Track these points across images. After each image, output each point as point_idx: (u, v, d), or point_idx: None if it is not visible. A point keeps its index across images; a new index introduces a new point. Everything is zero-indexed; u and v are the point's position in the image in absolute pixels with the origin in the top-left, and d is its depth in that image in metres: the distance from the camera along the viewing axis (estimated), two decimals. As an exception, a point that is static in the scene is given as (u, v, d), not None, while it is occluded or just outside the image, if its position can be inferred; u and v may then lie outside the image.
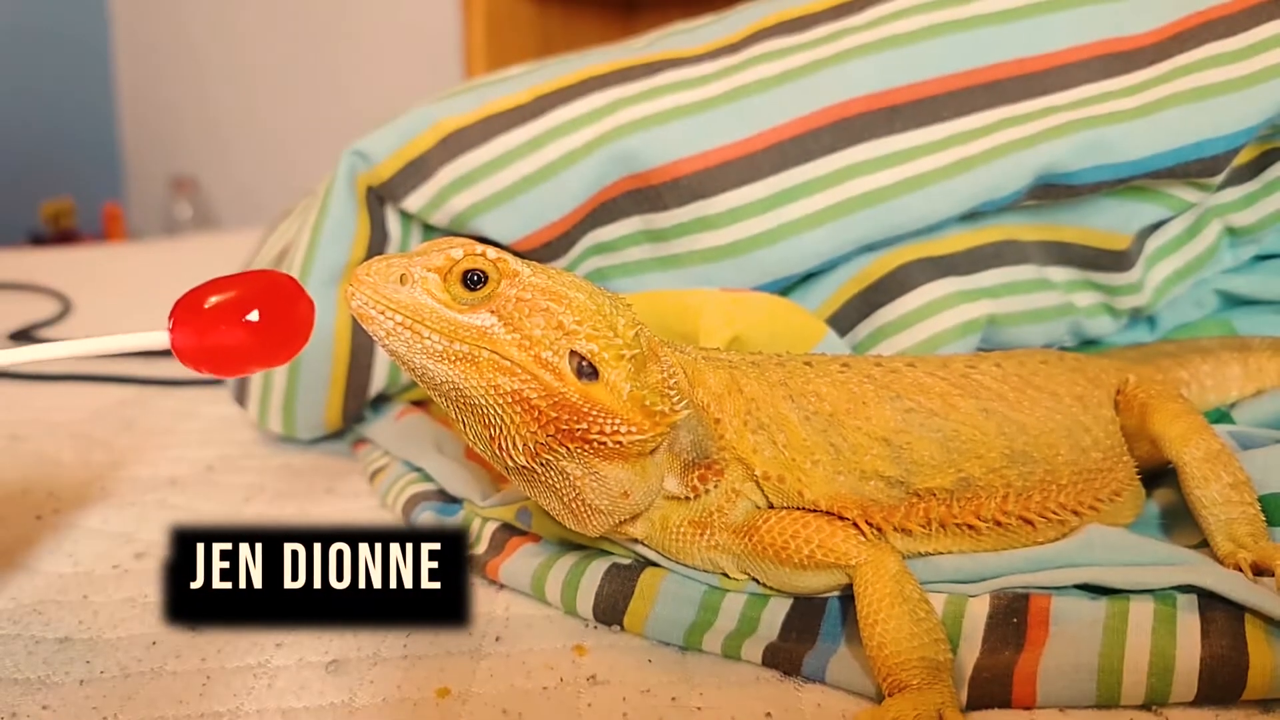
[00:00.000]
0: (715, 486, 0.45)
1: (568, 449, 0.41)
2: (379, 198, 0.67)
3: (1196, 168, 0.58)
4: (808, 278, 0.65)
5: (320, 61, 2.81)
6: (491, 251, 0.40)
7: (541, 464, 0.41)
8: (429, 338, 0.40)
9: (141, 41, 3.16)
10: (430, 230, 0.68)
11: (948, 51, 0.60)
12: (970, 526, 0.45)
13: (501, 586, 0.50)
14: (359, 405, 0.68)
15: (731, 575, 0.46)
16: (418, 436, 0.63)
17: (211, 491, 0.64)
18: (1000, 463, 0.46)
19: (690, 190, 0.61)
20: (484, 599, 0.49)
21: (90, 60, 3.17)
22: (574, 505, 0.43)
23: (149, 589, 0.51)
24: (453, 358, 0.40)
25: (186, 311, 0.38)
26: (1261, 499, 0.46)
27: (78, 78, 3.13)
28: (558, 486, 0.43)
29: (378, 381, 0.68)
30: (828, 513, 0.44)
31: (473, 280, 0.40)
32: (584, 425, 0.40)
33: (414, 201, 0.65)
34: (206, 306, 0.38)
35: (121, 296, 1.29)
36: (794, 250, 0.61)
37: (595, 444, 0.41)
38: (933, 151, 0.60)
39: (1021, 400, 0.48)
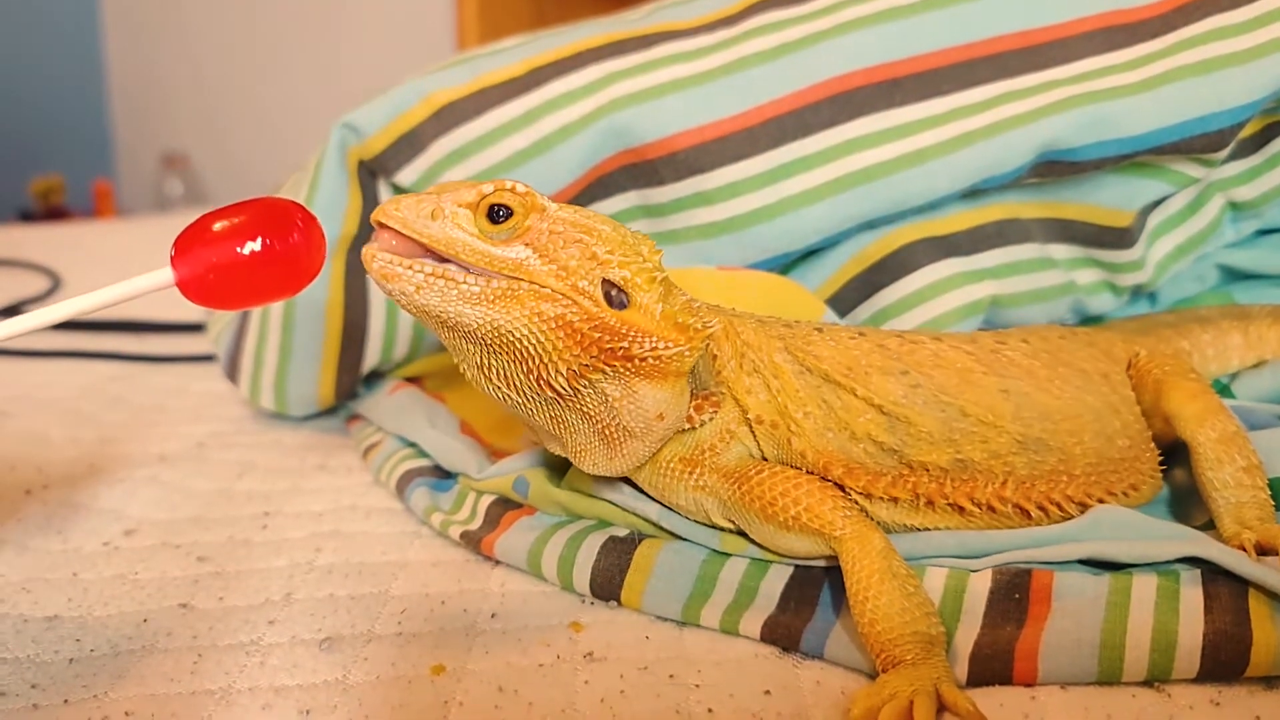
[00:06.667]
0: (711, 418, 0.45)
1: (611, 368, 0.41)
2: (371, 171, 0.66)
3: (1201, 143, 0.57)
4: (808, 257, 0.64)
5: (312, 36, 2.78)
6: (520, 186, 0.41)
7: (583, 385, 0.41)
8: (464, 282, 0.40)
9: (131, 17, 3.12)
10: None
11: (949, 23, 0.59)
12: (960, 508, 0.45)
13: (497, 563, 0.50)
14: (352, 381, 0.68)
15: (716, 521, 0.46)
16: (411, 412, 0.62)
17: (203, 468, 0.63)
18: (1007, 449, 0.45)
19: (687, 165, 0.61)
20: (479, 575, 0.49)
21: (80, 36, 3.14)
22: (608, 431, 0.43)
23: (139, 566, 0.50)
24: (491, 298, 0.40)
25: (187, 242, 0.37)
26: (1269, 482, 0.45)
27: (67, 53, 3.10)
28: (594, 413, 0.42)
29: (371, 357, 0.67)
30: (813, 473, 0.44)
31: (497, 214, 0.40)
32: (625, 344, 0.41)
33: (406, 175, 0.64)
34: (210, 231, 0.36)
35: (112, 273, 1.27)
36: (793, 226, 0.60)
37: (637, 360, 0.41)
38: (934, 126, 0.59)
39: (1052, 379, 0.47)
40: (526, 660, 0.41)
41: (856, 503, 0.44)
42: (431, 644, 0.43)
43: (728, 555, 0.46)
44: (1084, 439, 0.46)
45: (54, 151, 3.03)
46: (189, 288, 0.37)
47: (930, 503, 0.45)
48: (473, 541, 0.50)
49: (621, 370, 0.41)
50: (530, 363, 0.41)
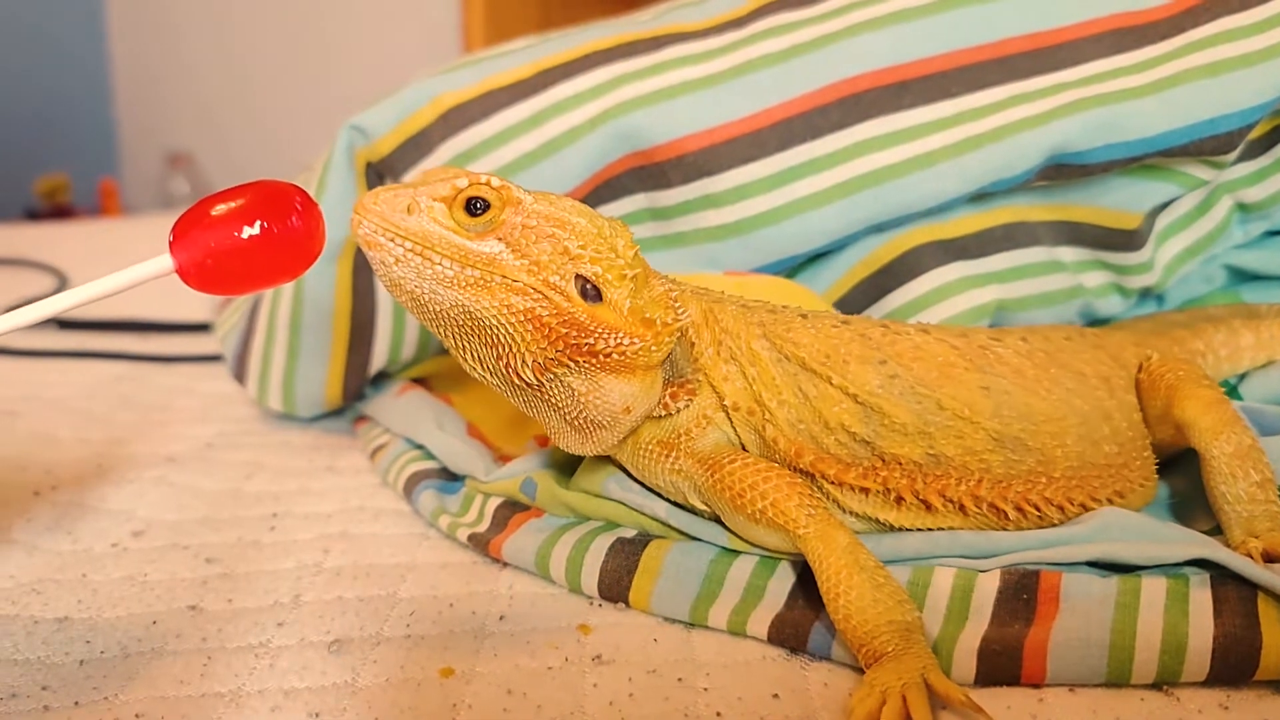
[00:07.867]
0: (687, 405, 0.46)
1: (575, 363, 0.42)
2: (379, 173, 0.66)
3: (1210, 145, 0.57)
4: (816, 260, 0.64)
5: (316, 35, 2.78)
6: (495, 179, 0.41)
7: (549, 379, 0.42)
8: (440, 264, 0.41)
9: (135, 16, 3.13)
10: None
11: (958, 26, 0.59)
12: (929, 505, 0.45)
13: (505, 565, 0.50)
14: (359, 382, 0.68)
15: (694, 505, 0.46)
16: (418, 413, 0.62)
17: (211, 469, 0.63)
18: (983, 446, 0.45)
19: (695, 168, 0.61)
20: (488, 577, 0.49)
21: (85, 35, 3.14)
22: (577, 422, 0.44)
23: (148, 567, 0.50)
24: (464, 283, 0.41)
25: (185, 228, 0.36)
26: None
27: (73, 53, 3.10)
28: (562, 404, 0.44)
29: (379, 358, 0.67)
30: (784, 461, 0.45)
31: (475, 207, 0.41)
32: (591, 340, 0.42)
33: (414, 177, 0.64)
34: (208, 216, 0.36)
35: (117, 272, 1.28)
36: (801, 229, 0.60)
37: (602, 357, 0.42)
38: (942, 129, 0.59)
39: (1041, 379, 0.46)
40: (535, 663, 0.42)
41: (828, 494, 0.45)
42: (440, 646, 0.43)
43: (736, 554, 0.46)
44: (1066, 442, 0.46)
45: (59, 150, 3.04)
46: (188, 274, 0.36)
47: (900, 499, 0.45)
48: (480, 543, 0.50)
49: (586, 365, 0.42)
50: (499, 349, 0.42)
